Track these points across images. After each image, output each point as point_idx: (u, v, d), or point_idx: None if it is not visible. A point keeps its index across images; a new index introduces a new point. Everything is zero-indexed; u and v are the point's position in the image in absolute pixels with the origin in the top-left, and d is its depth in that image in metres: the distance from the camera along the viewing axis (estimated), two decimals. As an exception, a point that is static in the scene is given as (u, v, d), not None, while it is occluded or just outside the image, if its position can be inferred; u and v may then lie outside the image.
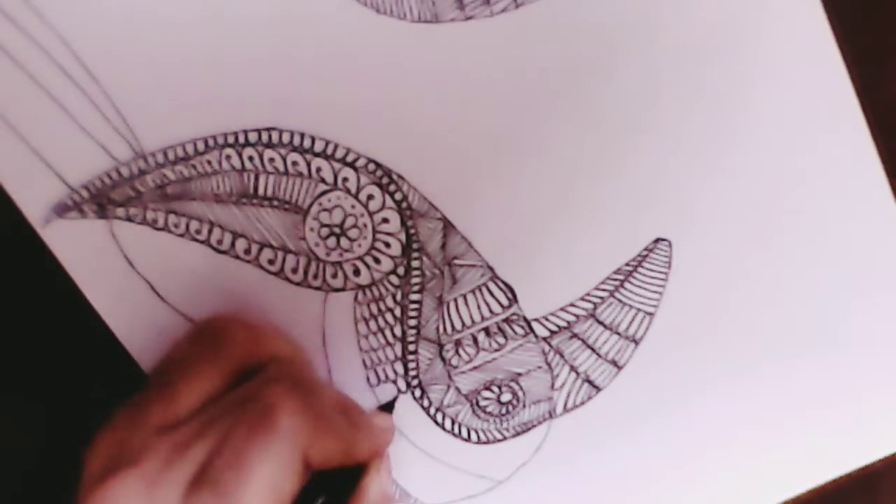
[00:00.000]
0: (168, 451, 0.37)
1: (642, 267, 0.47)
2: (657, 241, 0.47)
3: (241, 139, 0.44)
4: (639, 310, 0.48)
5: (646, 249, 0.47)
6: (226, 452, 0.36)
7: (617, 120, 0.45)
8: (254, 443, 0.36)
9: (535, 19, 0.44)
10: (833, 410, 0.50)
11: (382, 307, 0.47)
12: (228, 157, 0.44)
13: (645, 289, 0.47)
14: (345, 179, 0.45)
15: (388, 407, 0.47)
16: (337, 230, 0.45)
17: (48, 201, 0.44)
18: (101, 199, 0.44)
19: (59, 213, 0.43)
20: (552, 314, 0.48)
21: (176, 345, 0.42)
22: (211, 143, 0.43)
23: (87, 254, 0.44)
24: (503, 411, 0.49)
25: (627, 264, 0.47)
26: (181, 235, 0.44)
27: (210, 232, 0.45)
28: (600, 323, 0.48)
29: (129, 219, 0.44)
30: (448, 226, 0.46)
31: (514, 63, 0.44)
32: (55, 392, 0.47)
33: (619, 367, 0.48)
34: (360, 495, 0.41)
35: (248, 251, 0.45)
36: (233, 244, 0.45)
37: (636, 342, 0.48)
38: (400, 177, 0.45)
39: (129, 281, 0.45)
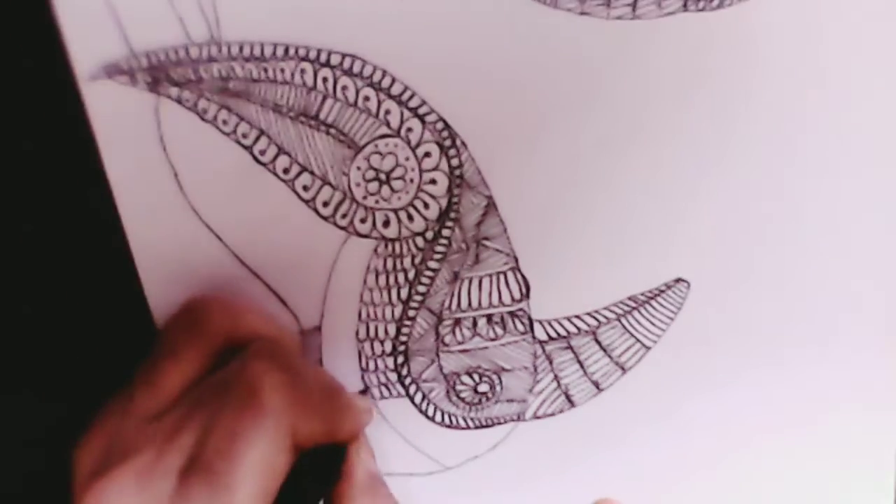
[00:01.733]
0: (157, 440, 0.39)
1: (656, 301, 0.51)
2: (678, 280, 0.51)
3: (323, 58, 0.45)
4: (638, 340, 0.51)
5: (665, 285, 0.51)
6: (214, 437, 0.38)
7: (685, 155, 0.49)
8: (241, 424, 0.39)
9: (646, 30, 0.47)
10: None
11: (398, 265, 0.49)
12: (303, 71, 0.45)
13: (651, 322, 0.51)
14: (409, 129, 0.46)
15: (363, 391, 0.50)
16: (383, 176, 0.47)
17: (103, 58, 0.44)
18: (158, 73, 0.44)
19: (110, 73, 0.44)
20: (556, 320, 0.51)
21: (160, 330, 0.44)
22: (291, 52, 0.44)
23: (122, 122, 0.44)
24: (476, 401, 0.52)
25: (643, 294, 0.51)
26: (226, 134, 0.45)
27: (257, 139, 0.46)
28: (598, 342, 0.51)
29: (179, 101, 0.45)
30: (491, 205, 0.48)
31: (616, 71, 0.47)
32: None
33: (600, 390, 0.52)
34: (349, 480, 0.44)
35: (287, 170, 0.46)
36: (275, 158, 0.46)
37: (624, 370, 0.52)
38: (463, 144, 0.47)
39: (155, 163, 0.45)
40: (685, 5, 0.45)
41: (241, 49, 0.43)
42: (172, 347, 0.43)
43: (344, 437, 0.44)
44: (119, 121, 0.44)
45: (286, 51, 0.44)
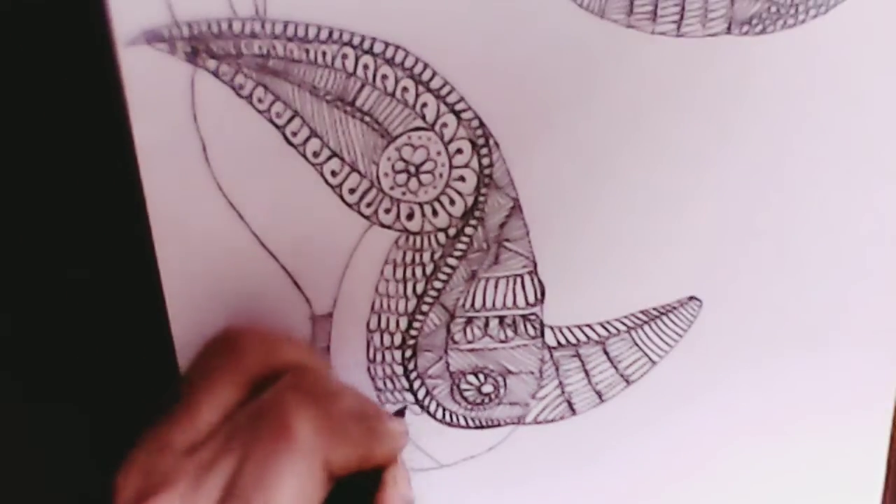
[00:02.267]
0: (195, 471, 0.39)
1: (667, 317, 0.51)
2: (691, 298, 0.51)
3: (366, 45, 0.44)
4: (645, 354, 0.51)
5: (678, 302, 0.51)
6: (249, 468, 0.39)
7: (712, 180, 0.49)
8: (275, 456, 0.39)
9: (685, 49, 0.46)
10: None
11: (417, 259, 0.48)
12: (345, 56, 0.44)
13: (660, 338, 0.51)
14: (444, 125, 0.46)
15: (399, 413, 0.49)
16: (412, 169, 0.47)
17: (144, 23, 0.43)
18: (198, 44, 0.43)
19: (150, 39, 0.43)
20: (567, 327, 0.51)
21: (193, 361, 0.44)
22: (335, 35, 0.44)
23: (155, 91, 0.44)
24: (479, 401, 0.51)
25: (655, 309, 0.51)
26: (260, 112, 0.45)
27: (290, 120, 0.45)
28: (606, 353, 0.51)
29: (216, 74, 0.44)
30: (517, 208, 0.48)
31: (655, 88, 0.47)
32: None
33: (602, 400, 0.52)
34: None
35: (317, 154, 0.46)
36: (306, 141, 0.45)
37: (628, 382, 0.52)
38: (496, 143, 0.47)
39: (184, 134, 0.44)
40: (729, 28, 0.45)
41: (284, 28, 0.43)
42: (209, 381, 0.42)
43: (379, 462, 0.44)
44: (153, 89, 0.43)
45: (330, 34, 0.43)
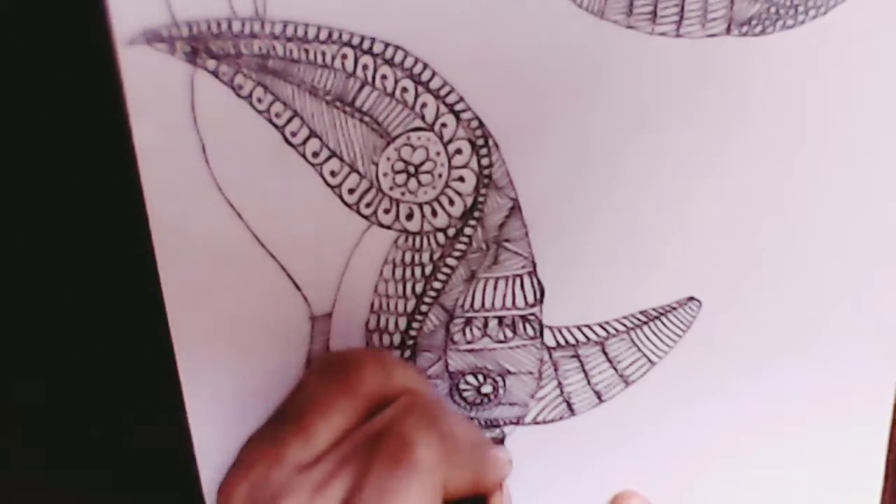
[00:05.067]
0: (309, 488, 0.40)
1: (666, 318, 0.51)
2: (690, 299, 0.51)
3: (366, 45, 0.44)
4: (644, 355, 0.51)
5: (676, 303, 0.51)
6: (368, 488, 0.39)
7: (712, 181, 0.49)
8: (395, 478, 0.39)
9: (685, 49, 0.46)
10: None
11: (417, 259, 0.48)
12: (344, 56, 0.44)
13: (659, 338, 0.51)
14: (443, 125, 0.46)
15: (500, 440, 0.51)
16: (412, 169, 0.46)
17: (143, 23, 0.43)
18: (198, 44, 0.43)
19: (150, 39, 0.43)
20: (566, 328, 0.51)
21: (304, 380, 0.45)
22: (335, 35, 0.44)
23: (155, 90, 0.44)
24: (478, 401, 0.51)
25: (654, 310, 0.51)
26: (260, 112, 0.45)
27: (290, 120, 0.45)
28: (605, 353, 0.51)
29: (216, 74, 0.44)
30: (516, 208, 0.48)
31: (654, 89, 0.46)
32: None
33: (602, 401, 0.52)
34: None
35: (316, 154, 0.46)
36: (305, 141, 0.45)
37: (627, 383, 0.52)
38: (496, 144, 0.47)
39: (184, 134, 0.44)
40: (728, 29, 0.45)
41: (284, 28, 0.43)
42: (326, 401, 0.43)
43: (488, 489, 0.45)
44: (153, 88, 0.43)
45: (329, 34, 0.43)
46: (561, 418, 0.51)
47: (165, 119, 0.44)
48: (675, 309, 0.50)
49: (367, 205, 0.46)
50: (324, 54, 0.44)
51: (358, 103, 0.45)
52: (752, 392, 0.53)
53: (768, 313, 0.51)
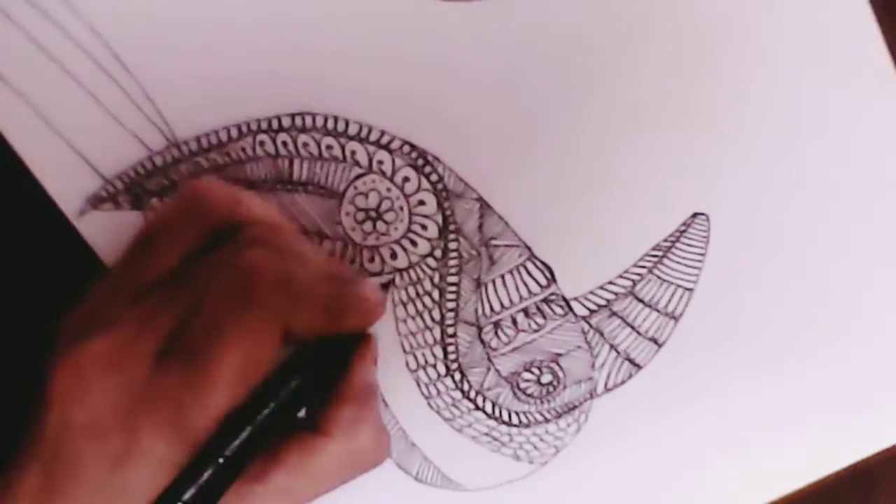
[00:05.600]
0: (138, 316, 0.37)
1: (681, 242, 0.51)
2: (695, 215, 0.51)
3: (275, 125, 0.47)
4: (678, 286, 0.51)
5: (684, 224, 0.51)
6: (200, 320, 0.37)
7: (649, 96, 0.48)
8: (230, 310, 0.37)
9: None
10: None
11: (420, 290, 0.50)
12: (262, 143, 0.47)
13: (684, 264, 0.51)
14: (380, 162, 0.48)
15: (383, 286, 0.49)
16: (373, 214, 0.49)
17: (83, 193, 0.47)
18: (135, 190, 0.47)
19: (94, 204, 0.47)
20: (591, 293, 0.51)
21: (156, 211, 0.42)
22: (244, 129, 0.47)
23: (123, 245, 0.48)
24: (544, 393, 0.52)
25: (666, 240, 0.51)
26: (217, 224, 0.48)
27: (245, 219, 0.48)
28: (640, 300, 0.51)
29: (163, 209, 0.48)
30: (485, 206, 0.49)
31: (544, 40, 0.47)
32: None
33: (660, 345, 0.52)
34: (347, 382, 0.41)
35: (283, 237, 0.48)
36: (268, 231, 0.48)
37: (676, 319, 0.52)
38: (435, 158, 0.48)
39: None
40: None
41: (198, 143, 0.46)
42: (171, 224, 0.40)
43: (349, 328, 0.41)
44: (119, 243, 0.46)
45: (239, 130, 0.46)
46: (630, 376, 0.52)
47: (143, 266, 0.47)
48: (684, 231, 0.50)
49: (351, 262, 0.49)
50: (244, 149, 0.47)
51: (295, 177, 0.47)
52: (756, 392, 0.53)
53: (768, 313, 0.52)
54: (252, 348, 0.37)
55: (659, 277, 0.50)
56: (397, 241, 0.48)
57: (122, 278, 0.39)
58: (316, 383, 0.40)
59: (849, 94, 0.49)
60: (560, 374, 0.51)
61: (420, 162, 0.47)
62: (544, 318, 0.50)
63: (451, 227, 0.48)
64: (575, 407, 0.52)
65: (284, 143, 0.47)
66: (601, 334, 0.51)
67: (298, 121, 0.46)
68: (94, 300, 0.39)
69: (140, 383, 0.36)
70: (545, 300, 0.50)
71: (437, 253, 0.49)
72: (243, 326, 0.36)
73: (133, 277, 0.38)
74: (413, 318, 0.50)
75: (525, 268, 0.50)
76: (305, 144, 0.47)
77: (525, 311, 0.50)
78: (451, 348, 0.50)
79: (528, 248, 0.49)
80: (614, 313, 0.51)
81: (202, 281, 0.37)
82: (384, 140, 0.47)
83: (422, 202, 0.48)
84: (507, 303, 0.50)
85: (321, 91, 0.46)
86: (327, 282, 0.40)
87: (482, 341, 0.50)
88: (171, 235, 0.39)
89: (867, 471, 0.54)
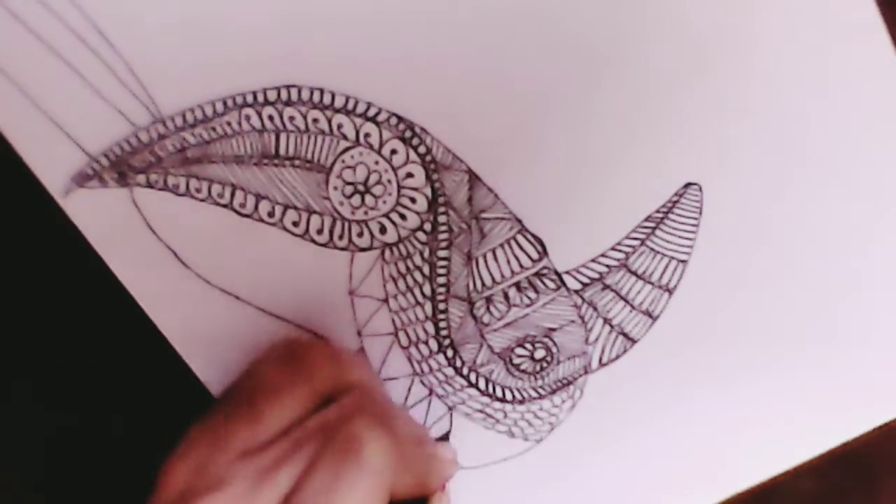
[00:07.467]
0: (254, 475, 0.39)
1: (673, 213, 0.50)
2: (687, 185, 0.50)
3: (261, 98, 0.47)
4: (672, 258, 0.51)
5: (676, 195, 0.50)
6: (314, 481, 0.39)
7: (640, 65, 0.48)
8: (343, 474, 0.39)
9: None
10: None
11: (410, 265, 0.50)
12: (248, 117, 0.47)
13: (677, 235, 0.50)
14: (367, 135, 0.48)
15: (443, 437, 0.51)
16: (361, 187, 0.48)
17: (68, 171, 0.46)
18: (121, 167, 0.47)
19: (80, 182, 0.46)
20: (584, 266, 0.51)
21: (256, 365, 0.44)
22: (230, 103, 0.46)
23: (109, 223, 0.47)
24: (538, 368, 0.52)
25: (658, 211, 0.50)
26: (203, 200, 0.47)
27: (233, 195, 0.47)
28: (633, 273, 0.51)
29: (150, 185, 0.47)
30: (474, 178, 0.49)
31: (536, 10, 0.47)
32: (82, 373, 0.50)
33: (654, 318, 0.51)
34: None
35: (271, 213, 0.48)
36: (256, 207, 0.48)
37: (670, 291, 0.51)
38: (423, 130, 0.48)
39: (152, 249, 0.47)
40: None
41: (184, 118, 0.46)
42: (277, 387, 0.42)
43: (433, 489, 0.45)
44: (106, 222, 0.47)
45: (225, 104, 0.46)
46: (625, 350, 0.51)
47: (131, 244, 0.47)
48: (677, 201, 0.49)
49: (340, 237, 0.48)
50: (230, 124, 0.46)
51: (282, 152, 0.47)
52: (757, 389, 0.52)
53: (763, 284, 0.51)
54: None
55: (652, 249, 0.50)
56: (386, 215, 0.48)
57: (229, 433, 0.40)
58: None
59: (849, 75, 0.49)
60: (553, 349, 0.51)
61: (408, 134, 0.47)
62: (536, 292, 0.50)
63: (441, 200, 0.48)
64: (569, 382, 0.51)
65: (271, 117, 0.46)
66: (595, 308, 0.50)
67: (284, 94, 0.46)
68: (197, 452, 0.40)
69: None
70: (537, 274, 0.50)
71: (427, 227, 0.48)
72: (356, 492, 0.39)
73: (242, 433, 0.40)
74: (404, 293, 0.49)
75: (516, 241, 0.49)
76: (292, 118, 0.46)
77: (517, 286, 0.50)
78: (442, 324, 0.50)
79: (519, 221, 0.49)
80: (608, 286, 0.50)
81: (315, 444, 0.40)
82: (371, 112, 0.46)
83: (410, 175, 0.47)
84: (498, 277, 0.49)
85: (306, 64, 0.46)
86: (417, 444, 0.44)
87: (474, 317, 0.50)
88: (280, 403, 0.41)
89: (869, 470, 0.53)
